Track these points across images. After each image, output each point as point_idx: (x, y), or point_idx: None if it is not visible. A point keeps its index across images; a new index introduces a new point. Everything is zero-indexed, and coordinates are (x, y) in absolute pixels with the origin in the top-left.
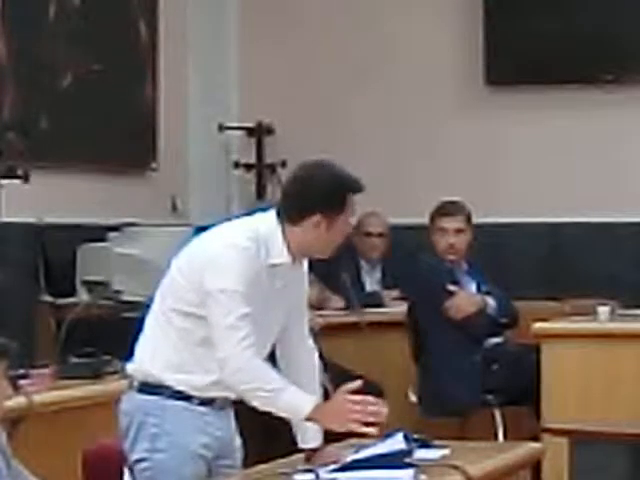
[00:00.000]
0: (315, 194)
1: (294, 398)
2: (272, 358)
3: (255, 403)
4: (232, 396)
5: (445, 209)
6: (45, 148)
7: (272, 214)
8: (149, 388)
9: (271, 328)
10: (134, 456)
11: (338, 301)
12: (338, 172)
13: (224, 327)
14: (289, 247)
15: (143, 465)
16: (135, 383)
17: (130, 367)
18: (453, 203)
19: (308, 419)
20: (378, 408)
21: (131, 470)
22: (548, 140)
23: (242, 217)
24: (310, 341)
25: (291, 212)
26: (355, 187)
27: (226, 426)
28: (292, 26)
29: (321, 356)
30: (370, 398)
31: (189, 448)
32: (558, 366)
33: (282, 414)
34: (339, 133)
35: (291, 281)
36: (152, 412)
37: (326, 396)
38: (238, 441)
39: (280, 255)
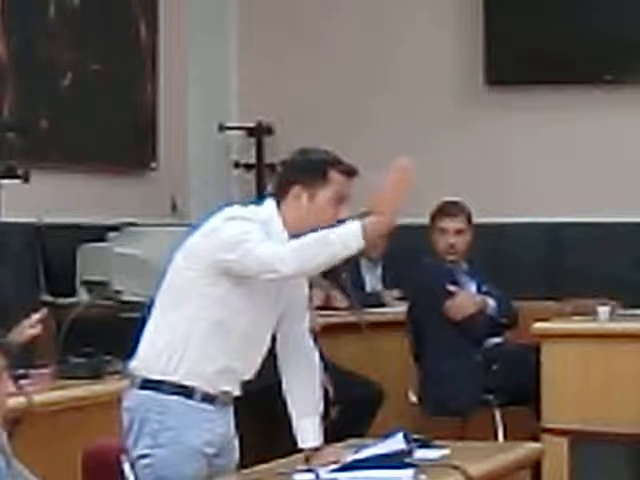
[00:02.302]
0: (297, 166)
1: (341, 233)
2: (273, 356)
3: (324, 261)
4: (235, 392)
5: (446, 209)
6: (45, 148)
7: (270, 201)
8: (151, 384)
9: (271, 318)
10: (136, 452)
11: (343, 300)
12: (326, 151)
13: (262, 253)
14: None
15: (145, 461)
16: (137, 380)
17: (133, 364)
18: (454, 203)
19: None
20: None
21: (133, 467)
22: (548, 140)
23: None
24: (310, 341)
25: (278, 189)
26: (340, 164)
27: (227, 423)
28: (292, 26)
29: (322, 357)
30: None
31: (191, 444)
32: (558, 366)
33: (347, 252)
34: (339, 133)
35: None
36: (154, 408)
37: (326, 397)
38: (236, 442)
39: (279, 237)
